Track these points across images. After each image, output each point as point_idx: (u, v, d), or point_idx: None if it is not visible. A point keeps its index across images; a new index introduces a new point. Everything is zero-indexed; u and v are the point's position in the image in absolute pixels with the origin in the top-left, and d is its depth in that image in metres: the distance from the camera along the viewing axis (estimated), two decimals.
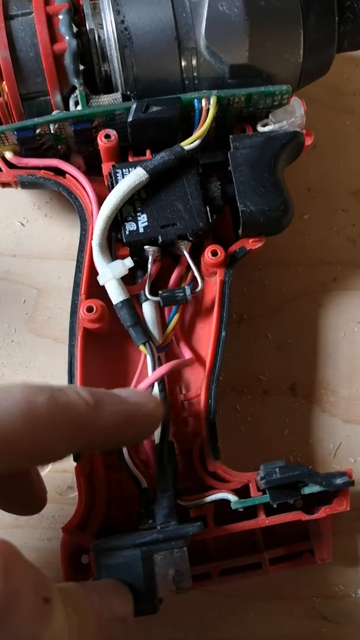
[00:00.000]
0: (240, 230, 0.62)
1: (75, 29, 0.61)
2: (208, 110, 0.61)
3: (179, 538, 0.53)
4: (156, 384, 0.59)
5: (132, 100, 0.62)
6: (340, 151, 0.77)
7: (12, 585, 0.42)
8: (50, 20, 0.61)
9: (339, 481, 0.57)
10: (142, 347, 0.59)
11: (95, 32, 0.62)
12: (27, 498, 0.57)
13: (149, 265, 0.61)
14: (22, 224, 0.73)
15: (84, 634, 0.47)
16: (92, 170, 0.65)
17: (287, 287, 0.72)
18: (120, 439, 0.54)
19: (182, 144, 0.61)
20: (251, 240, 0.63)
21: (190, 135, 0.61)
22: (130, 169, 0.61)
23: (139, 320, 0.60)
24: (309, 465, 0.59)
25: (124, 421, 0.51)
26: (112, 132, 0.62)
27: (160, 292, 0.60)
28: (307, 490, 0.57)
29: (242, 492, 0.59)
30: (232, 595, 0.65)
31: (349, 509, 0.58)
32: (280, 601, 0.65)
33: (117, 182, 0.61)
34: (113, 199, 0.60)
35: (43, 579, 0.45)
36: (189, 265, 0.62)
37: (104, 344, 0.62)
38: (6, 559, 0.42)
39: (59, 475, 0.66)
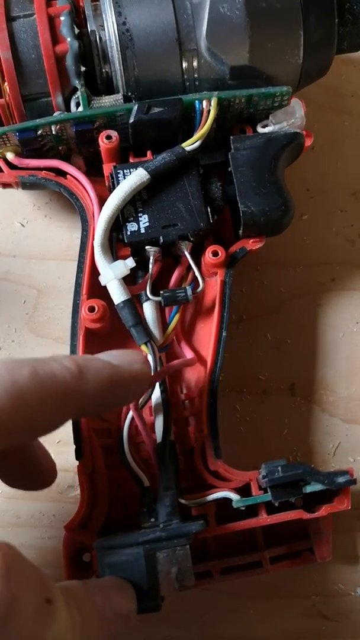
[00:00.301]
0: (240, 231, 0.62)
1: (76, 31, 0.61)
2: (209, 111, 0.61)
3: (181, 536, 0.53)
4: (157, 384, 0.59)
5: (133, 101, 0.62)
6: (339, 152, 0.77)
7: (14, 587, 0.42)
8: (51, 21, 0.61)
9: (341, 480, 0.57)
10: (143, 347, 0.60)
11: (97, 33, 0.62)
12: (34, 473, 0.56)
13: (150, 266, 0.61)
14: (22, 224, 0.73)
15: (86, 633, 0.47)
16: (92, 171, 0.65)
17: (286, 287, 0.73)
18: (110, 402, 0.53)
19: (183, 144, 0.61)
20: (251, 240, 0.63)
21: (191, 136, 0.62)
22: (131, 170, 0.61)
23: (140, 320, 0.60)
24: (312, 465, 0.60)
25: (110, 384, 0.50)
26: (114, 133, 0.62)
27: (161, 292, 0.60)
28: (308, 488, 0.58)
29: (243, 490, 0.59)
30: (232, 594, 0.65)
31: (350, 507, 0.58)
32: (280, 599, 0.65)
33: (118, 183, 0.61)
34: (114, 199, 0.60)
35: (45, 580, 0.45)
36: (189, 265, 0.62)
37: (105, 343, 0.62)
38: (7, 561, 0.42)
39: (59, 474, 0.66)
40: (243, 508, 0.58)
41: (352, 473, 0.58)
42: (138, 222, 0.61)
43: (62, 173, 0.64)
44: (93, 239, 0.61)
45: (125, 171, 0.61)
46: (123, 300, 0.60)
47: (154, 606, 0.52)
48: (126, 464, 0.59)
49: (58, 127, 0.62)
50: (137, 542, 0.53)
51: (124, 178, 0.61)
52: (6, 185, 0.66)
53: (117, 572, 0.53)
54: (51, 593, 0.44)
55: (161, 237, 0.61)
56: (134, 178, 0.60)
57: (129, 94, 0.62)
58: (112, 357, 0.52)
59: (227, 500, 0.59)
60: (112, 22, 0.61)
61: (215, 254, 0.62)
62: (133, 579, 0.52)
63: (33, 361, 0.47)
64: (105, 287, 0.60)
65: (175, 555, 0.53)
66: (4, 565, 0.42)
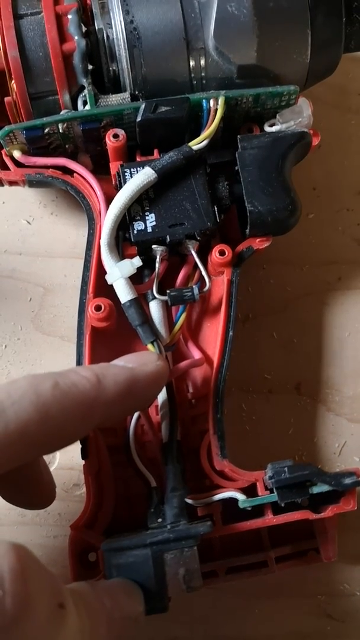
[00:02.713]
0: (247, 230, 0.62)
1: (84, 29, 0.61)
2: (216, 110, 0.61)
3: (189, 538, 0.53)
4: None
5: (141, 100, 0.62)
6: (345, 150, 0.77)
7: (29, 591, 0.42)
8: (59, 19, 0.61)
9: (347, 481, 0.57)
10: (150, 346, 0.59)
11: (104, 31, 0.62)
12: (36, 491, 0.57)
13: (157, 265, 0.61)
14: (28, 222, 0.73)
15: (95, 636, 0.47)
16: (99, 169, 0.65)
17: (292, 286, 0.72)
18: (131, 405, 0.55)
19: (190, 143, 0.61)
20: (258, 240, 0.63)
21: (198, 135, 0.61)
22: (138, 169, 0.61)
23: (146, 320, 0.59)
24: (318, 465, 0.60)
25: (128, 387, 0.52)
26: (121, 132, 0.62)
27: (168, 291, 0.60)
28: (315, 489, 0.57)
29: (249, 490, 0.59)
30: (237, 593, 0.65)
31: (356, 508, 0.58)
32: (285, 599, 0.65)
33: (125, 182, 0.61)
34: (122, 198, 0.60)
35: (58, 584, 0.45)
36: (196, 264, 0.62)
37: (111, 342, 0.62)
38: (24, 564, 0.42)
39: (65, 472, 0.67)
40: (249, 508, 0.58)
41: (359, 474, 0.58)
42: (145, 221, 0.61)
43: (69, 171, 0.64)
44: (99, 238, 0.61)
45: (132, 170, 0.61)
46: (129, 299, 0.59)
47: (161, 607, 0.52)
48: (132, 464, 0.59)
49: (65, 125, 0.62)
50: (144, 544, 0.53)
51: (131, 177, 0.61)
52: (13, 183, 0.65)
53: (124, 574, 0.53)
54: (63, 597, 0.45)
55: (168, 236, 0.61)
56: (141, 177, 0.60)
57: (136, 92, 0.62)
58: (127, 360, 0.55)
59: (233, 500, 0.59)
60: (120, 21, 0.61)
61: (222, 253, 0.62)
62: (140, 581, 0.52)
63: (53, 374, 0.49)
64: (111, 286, 0.60)
65: (182, 556, 0.53)
66: (20, 567, 0.42)
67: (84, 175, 0.63)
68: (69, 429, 0.49)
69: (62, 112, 0.62)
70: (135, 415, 0.59)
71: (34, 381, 0.47)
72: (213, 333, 0.64)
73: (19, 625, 0.41)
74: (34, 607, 0.42)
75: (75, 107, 0.62)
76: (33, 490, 0.57)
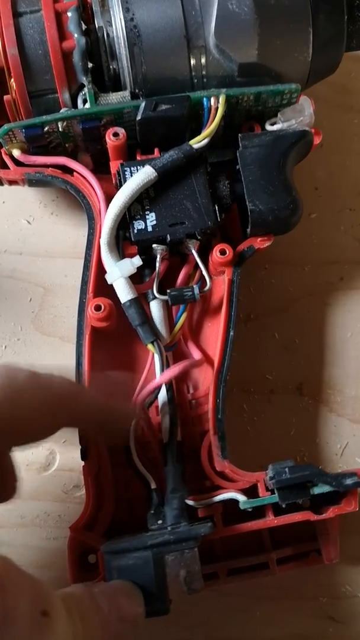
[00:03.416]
0: (248, 229, 0.61)
1: (84, 27, 0.60)
2: (217, 108, 0.61)
3: (190, 539, 0.53)
4: (164, 385, 0.59)
5: (141, 98, 0.62)
6: (347, 150, 0.77)
7: (8, 601, 0.41)
8: (59, 17, 0.61)
9: (349, 482, 0.57)
10: (150, 346, 0.59)
11: (104, 29, 0.61)
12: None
13: (157, 264, 0.61)
14: (28, 222, 0.73)
15: None
16: (99, 168, 0.65)
17: (294, 286, 0.72)
18: (104, 416, 0.54)
19: (191, 142, 0.61)
20: (259, 239, 0.62)
21: (199, 133, 0.61)
22: (138, 168, 0.61)
23: (147, 319, 0.59)
24: (319, 466, 0.59)
25: (100, 410, 0.52)
26: (121, 130, 0.61)
27: (168, 291, 0.60)
28: (316, 490, 0.57)
29: (250, 491, 0.59)
30: (238, 595, 0.64)
31: (357, 509, 0.58)
32: (286, 601, 0.65)
33: (125, 181, 0.60)
34: (122, 197, 0.60)
35: (41, 592, 0.44)
36: (197, 264, 0.61)
37: (111, 343, 0.62)
38: (1, 575, 0.42)
39: (65, 474, 0.66)
40: (250, 509, 0.58)
41: None
42: (145, 220, 0.60)
43: (69, 170, 0.64)
44: (99, 237, 0.61)
45: (132, 169, 0.61)
46: (130, 299, 0.59)
47: (162, 610, 0.52)
48: (133, 465, 0.58)
49: (65, 124, 0.61)
50: (145, 546, 0.53)
51: (131, 176, 0.61)
52: (12, 182, 0.65)
53: (125, 576, 0.52)
54: (48, 604, 0.44)
55: (168, 236, 0.60)
56: (141, 176, 0.60)
57: (137, 90, 0.62)
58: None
59: (234, 501, 0.58)
60: (120, 19, 0.60)
61: (222, 252, 0.61)
62: (141, 583, 0.52)
63: (32, 366, 0.49)
64: (111, 285, 0.60)
65: (183, 558, 0.52)
66: None
67: (83, 174, 0.63)
68: (36, 422, 0.48)
69: (61, 111, 0.62)
70: None
71: (10, 370, 0.47)
72: (214, 333, 0.63)
73: (0, 636, 0.40)
74: (13, 617, 0.41)
75: (75, 106, 0.62)
76: None
